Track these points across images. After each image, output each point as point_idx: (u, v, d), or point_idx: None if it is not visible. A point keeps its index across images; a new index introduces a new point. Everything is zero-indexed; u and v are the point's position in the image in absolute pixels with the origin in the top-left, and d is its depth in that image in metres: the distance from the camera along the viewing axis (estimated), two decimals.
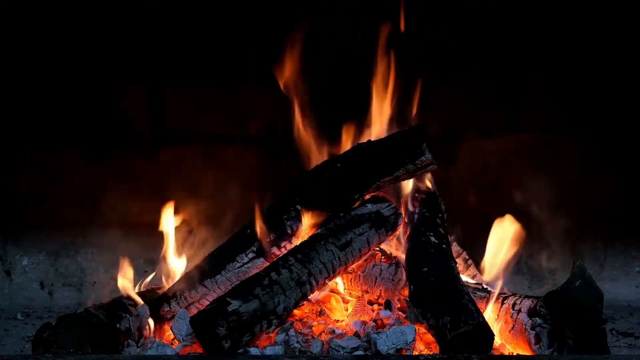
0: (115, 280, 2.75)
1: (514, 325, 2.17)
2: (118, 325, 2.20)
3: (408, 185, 2.59)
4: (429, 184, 2.65)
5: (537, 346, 2.06)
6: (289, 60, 2.67)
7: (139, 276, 2.56)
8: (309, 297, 2.27)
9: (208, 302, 2.28)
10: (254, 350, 2.07)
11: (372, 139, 2.53)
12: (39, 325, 2.13)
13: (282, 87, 2.66)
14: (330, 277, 2.29)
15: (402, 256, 2.42)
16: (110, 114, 3.23)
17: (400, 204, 2.55)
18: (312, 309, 2.37)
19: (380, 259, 2.46)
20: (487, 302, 2.31)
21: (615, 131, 3.24)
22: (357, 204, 2.46)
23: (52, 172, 3.24)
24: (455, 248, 2.58)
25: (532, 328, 2.08)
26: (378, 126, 2.63)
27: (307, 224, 2.40)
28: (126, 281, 2.40)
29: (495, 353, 2.15)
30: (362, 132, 2.63)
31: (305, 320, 2.31)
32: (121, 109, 3.23)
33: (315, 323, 2.29)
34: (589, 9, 3.11)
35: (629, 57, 3.17)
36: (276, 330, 2.17)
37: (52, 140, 3.23)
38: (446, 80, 3.15)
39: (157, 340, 2.28)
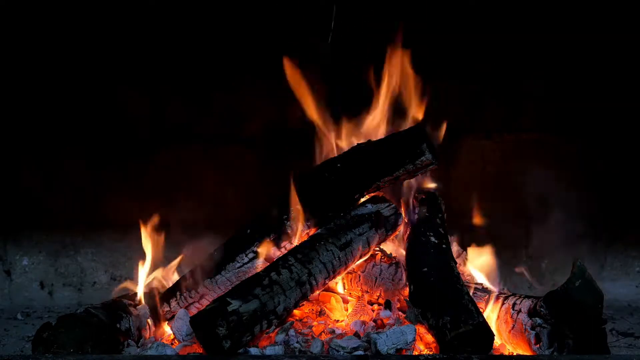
0: (115, 279, 2.77)
1: (514, 325, 2.17)
2: (118, 325, 2.20)
3: (408, 185, 2.59)
4: (429, 184, 2.65)
5: (537, 346, 2.06)
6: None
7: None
8: (309, 297, 2.27)
9: (208, 302, 2.28)
10: (254, 350, 2.07)
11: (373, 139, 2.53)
12: (39, 325, 2.13)
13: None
14: (330, 277, 2.29)
15: (402, 256, 2.42)
16: (111, 113, 3.23)
17: (400, 204, 2.55)
18: (312, 309, 2.37)
19: (380, 259, 2.46)
20: (487, 302, 2.31)
21: (615, 131, 3.24)
22: (357, 204, 2.46)
23: (52, 172, 3.24)
24: (455, 248, 2.58)
25: (532, 328, 2.08)
26: (378, 125, 2.64)
27: (307, 224, 2.40)
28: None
29: (495, 353, 2.15)
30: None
31: (305, 320, 2.31)
32: (121, 109, 3.23)
33: (315, 323, 2.29)
34: (588, 10, 3.11)
35: (628, 57, 3.17)
36: (276, 330, 2.17)
37: (52, 140, 3.23)
38: (446, 80, 3.15)
39: (157, 340, 2.28)
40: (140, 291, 2.40)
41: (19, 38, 3.15)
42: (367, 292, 2.46)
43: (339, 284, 2.50)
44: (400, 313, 2.33)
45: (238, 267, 2.37)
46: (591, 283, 2.03)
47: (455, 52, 3.15)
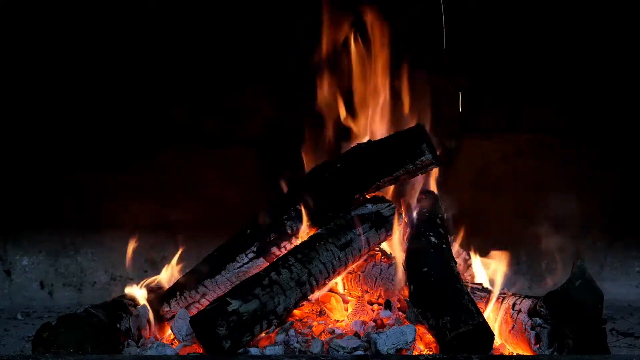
0: (115, 279, 2.75)
1: (514, 325, 2.17)
2: (118, 325, 2.20)
3: (408, 185, 2.59)
4: (429, 183, 2.65)
5: (537, 346, 2.06)
6: None
7: (139, 276, 2.56)
8: (309, 297, 2.27)
9: (208, 302, 2.28)
10: (254, 350, 2.07)
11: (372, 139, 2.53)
12: (39, 325, 2.13)
13: None
14: (331, 277, 2.29)
15: (402, 256, 2.42)
16: (111, 114, 3.23)
17: (400, 204, 2.55)
18: (312, 309, 2.37)
19: (380, 259, 2.46)
20: (487, 302, 2.31)
21: (615, 131, 3.24)
22: (357, 204, 2.45)
23: (52, 172, 3.24)
24: (455, 248, 2.58)
25: (532, 328, 2.08)
26: (377, 125, 2.64)
27: (307, 224, 2.40)
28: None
29: (495, 353, 2.15)
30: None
31: (305, 320, 2.31)
32: (122, 109, 3.23)
33: (315, 323, 2.29)
34: (588, 10, 3.11)
35: (628, 57, 3.18)
36: (276, 330, 2.17)
37: (52, 140, 3.23)
38: (446, 80, 3.15)
39: (157, 340, 2.29)
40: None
41: (18, 37, 3.15)
42: (367, 292, 2.46)
43: (339, 284, 2.50)
44: (400, 313, 2.33)
45: (238, 267, 2.37)
46: (591, 283, 2.03)
47: (455, 53, 3.15)
